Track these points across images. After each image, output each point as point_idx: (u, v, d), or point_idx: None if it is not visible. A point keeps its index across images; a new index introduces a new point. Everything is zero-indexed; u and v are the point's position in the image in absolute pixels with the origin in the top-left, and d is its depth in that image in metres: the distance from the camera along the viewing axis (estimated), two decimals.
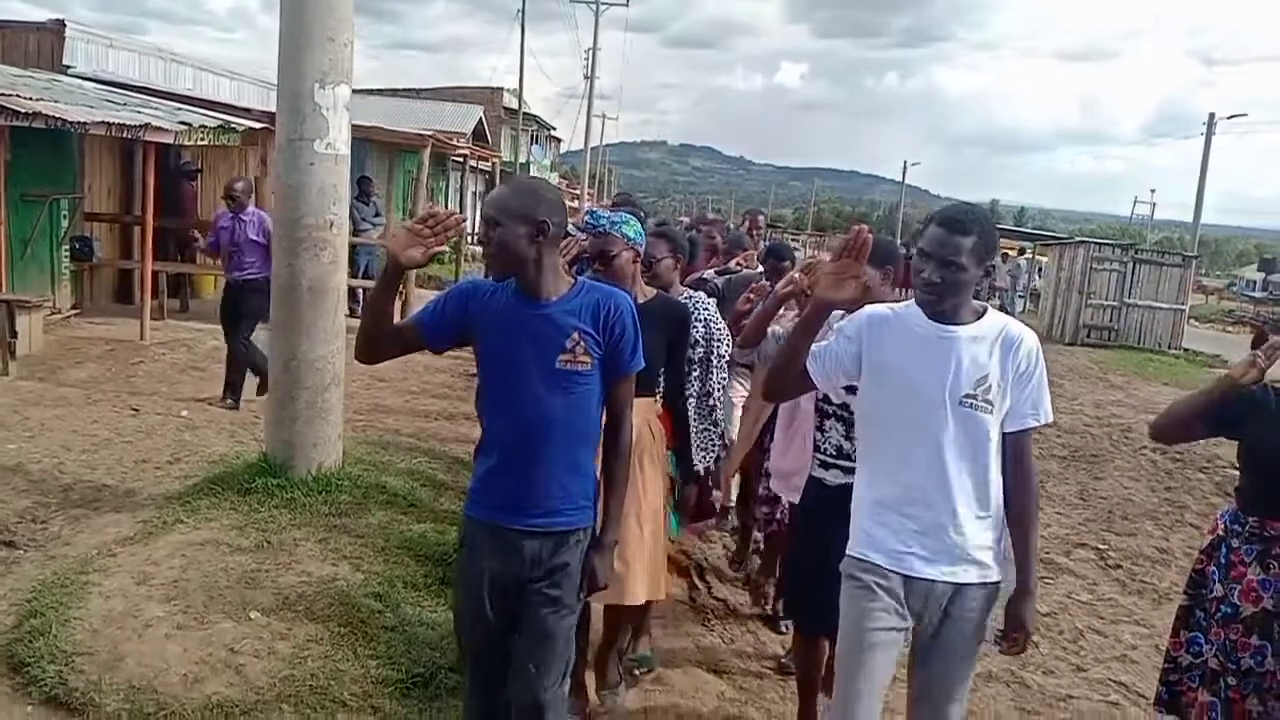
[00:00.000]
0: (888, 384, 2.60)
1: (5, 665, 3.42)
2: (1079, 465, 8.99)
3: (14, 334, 7.80)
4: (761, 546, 5.12)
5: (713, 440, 3.92)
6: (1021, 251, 26.47)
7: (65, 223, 10.72)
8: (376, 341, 2.60)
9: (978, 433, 2.53)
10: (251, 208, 7.68)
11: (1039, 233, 34.06)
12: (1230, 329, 36.60)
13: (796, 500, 3.54)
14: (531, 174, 37.79)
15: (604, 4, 39.80)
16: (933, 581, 2.55)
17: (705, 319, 3.90)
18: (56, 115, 7.93)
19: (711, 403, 3.88)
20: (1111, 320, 19.60)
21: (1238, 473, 3.37)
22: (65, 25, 12.16)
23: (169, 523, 4.48)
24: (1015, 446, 2.59)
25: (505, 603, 2.57)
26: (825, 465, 3.30)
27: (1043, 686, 4.40)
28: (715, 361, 3.91)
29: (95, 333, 9.86)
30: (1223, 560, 3.16)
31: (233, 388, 7.48)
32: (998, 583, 2.62)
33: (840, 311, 2.81)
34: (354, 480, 5.03)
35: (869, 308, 2.70)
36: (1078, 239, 22.30)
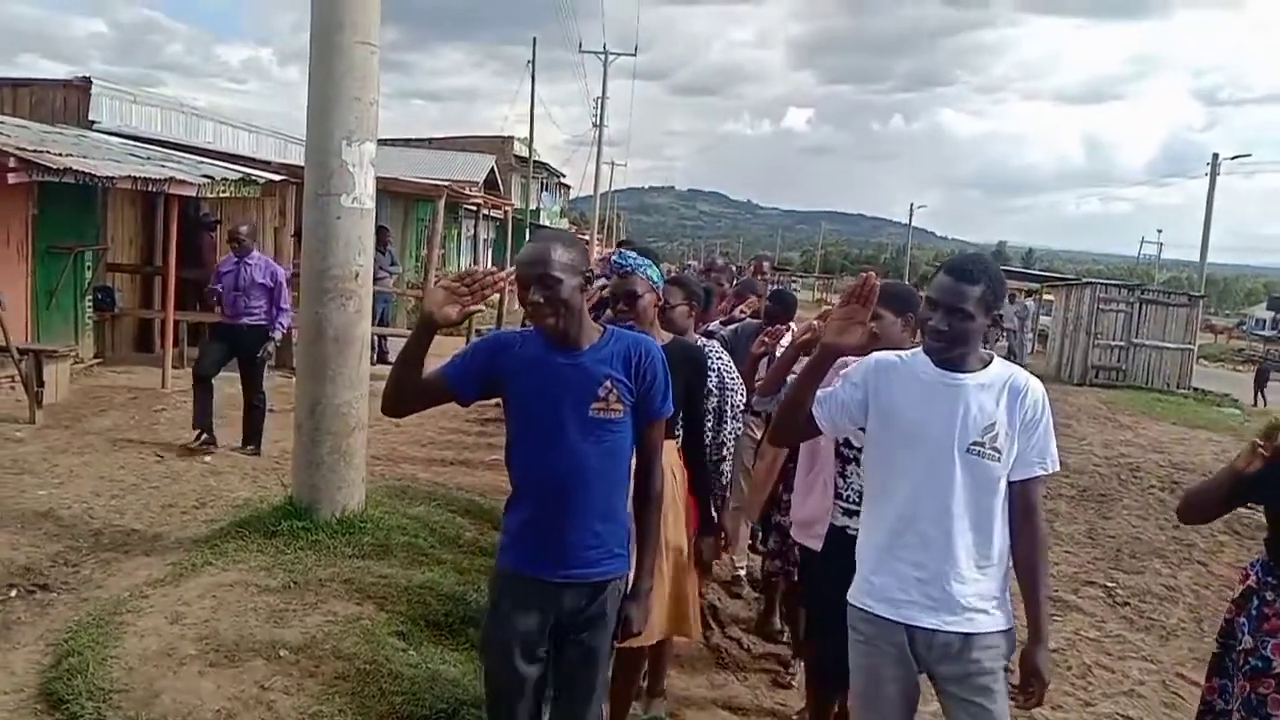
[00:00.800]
0: (894, 431, 2.58)
1: (45, 703, 3.54)
2: (1088, 504, 9.08)
3: (41, 383, 8.00)
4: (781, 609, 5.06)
5: (716, 488, 3.91)
6: (1029, 293, 26.63)
7: (89, 274, 10.98)
8: (405, 395, 2.58)
9: (985, 480, 2.51)
10: (256, 252, 7.73)
11: (1046, 274, 34.25)
12: (1240, 367, 36.64)
13: (818, 547, 3.46)
14: (542, 221, 38.21)
15: (612, 54, 40.50)
16: (934, 631, 2.52)
17: (719, 368, 3.92)
18: (86, 171, 8.20)
19: (724, 453, 3.90)
20: (1119, 360, 19.74)
21: (1263, 518, 3.27)
22: (91, 82, 12.55)
23: (198, 565, 4.62)
24: (1023, 496, 2.58)
25: (540, 655, 2.56)
26: (849, 513, 3.27)
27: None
28: (730, 411, 3.93)
29: (118, 381, 10.07)
30: (1254, 612, 3.10)
31: (255, 434, 7.60)
32: (1007, 630, 2.58)
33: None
34: (376, 523, 5.16)
35: (876, 354, 2.69)
36: (1085, 280, 22.46)
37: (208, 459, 7.02)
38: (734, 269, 12.62)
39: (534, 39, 35.12)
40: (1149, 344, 19.78)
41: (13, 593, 4.50)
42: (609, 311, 3.53)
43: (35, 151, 8.13)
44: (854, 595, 2.65)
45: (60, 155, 8.49)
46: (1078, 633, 5.73)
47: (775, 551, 4.43)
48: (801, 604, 4.15)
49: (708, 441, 3.86)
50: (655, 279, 3.53)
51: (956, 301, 2.46)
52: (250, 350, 7.58)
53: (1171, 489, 9.82)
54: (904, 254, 72.25)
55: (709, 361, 3.84)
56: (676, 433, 3.59)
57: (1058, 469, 2.62)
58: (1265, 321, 68.21)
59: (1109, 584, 6.69)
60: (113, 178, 8.59)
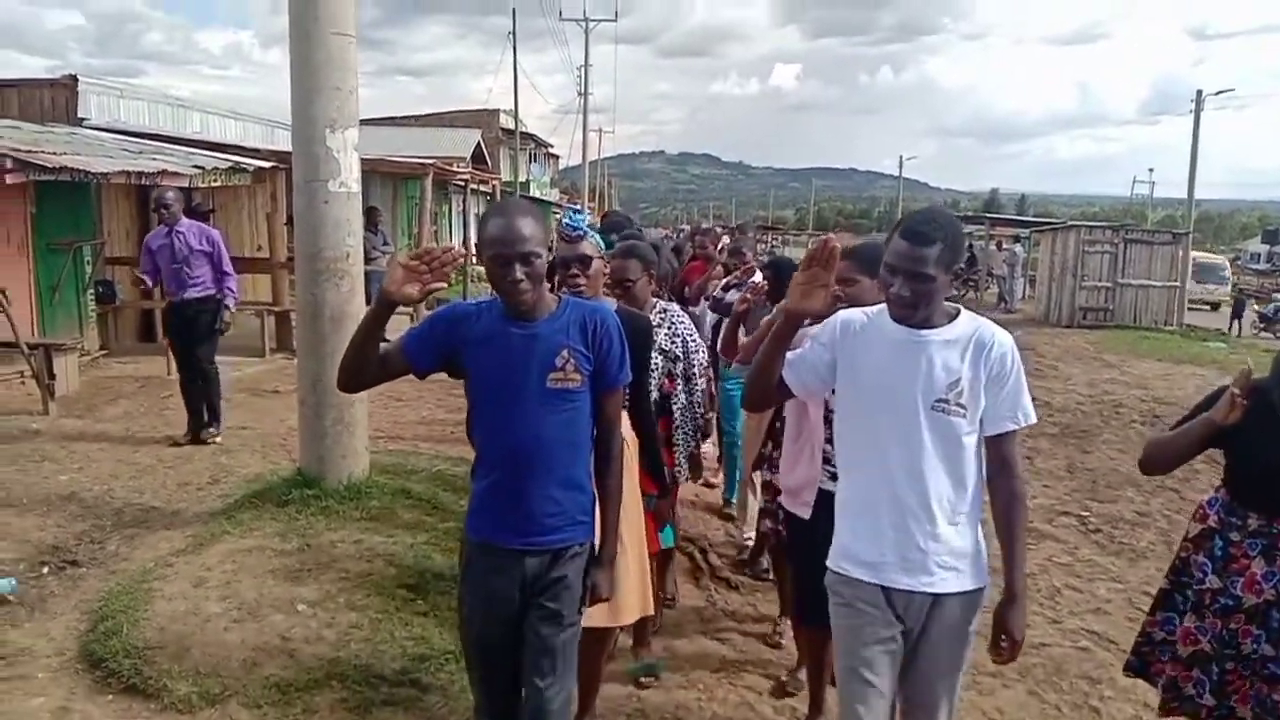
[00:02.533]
0: (861, 390, 2.58)
1: (86, 663, 3.87)
2: (1069, 441, 9.38)
3: (52, 375, 8.29)
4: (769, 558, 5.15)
5: (693, 435, 4.12)
6: (1016, 239, 26.88)
7: (89, 268, 11.23)
8: (362, 369, 2.60)
9: (951, 437, 2.51)
10: (185, 219, 7.30)
11: (1033, 220, 34.47)
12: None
13: (807, 515, 3.44)
14: (532, 192, 38.31)
15: (593, 21, 40.43)
16: (910, 592, 2.53)
17: (681, 333, 4.01)
18: (81, 168, 8.45)
19: (696, 411, 4.07)
20: (1106, 301, 20.01)
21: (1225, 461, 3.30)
22: (78, 80, 12.74)
23: (217, 534, 4.94)
24: (998, 451, 2.57)
25: (508, 622, 2.60)
26: (835, 478, 3.16)
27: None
28: (696, 371, 4.08)
29: (124, 371, 10.36)
30: (1218, 553, 3.16)
31: (213, 411, 7.38)
32: (979, 589, 2.59)
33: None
34: (381, 488, 5.48)
35: (843, 313, 2.69)
36: (1070, 223, 22.68)
37: (218, 439, 7.32)
38: (718, 230, 12.77)
39: (513, 10, 35.14)
40: (1135, 283, 20.03)
41: (45, 569, 4.83)
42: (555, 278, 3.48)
43: (30, 151, 8.38)
44: (832, 559, 2.67)
45: (54, 154, 8.74)
46: (1050, 559, 6.04)
47: (766, 510, 4.36)
48: (790, 565, 4.11)
49: (683, 402, 4.02)
50: (605, 248, 3.54)
51: (916, 266, 2.43)
52: (200, 323, 7.22)
53: (1152, 423, 10.13)
54: (896, 207, 72.19)
55: (670, 326, 3.98)
56: (625, 402, 3.51)
57: (1033, 422, 2.58)
58: (1260, 255, 68.03)
59: (1083, 513, 6.99)
60: (107, 173, 8.84)
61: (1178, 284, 20.51)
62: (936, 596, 2.53)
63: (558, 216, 39.31)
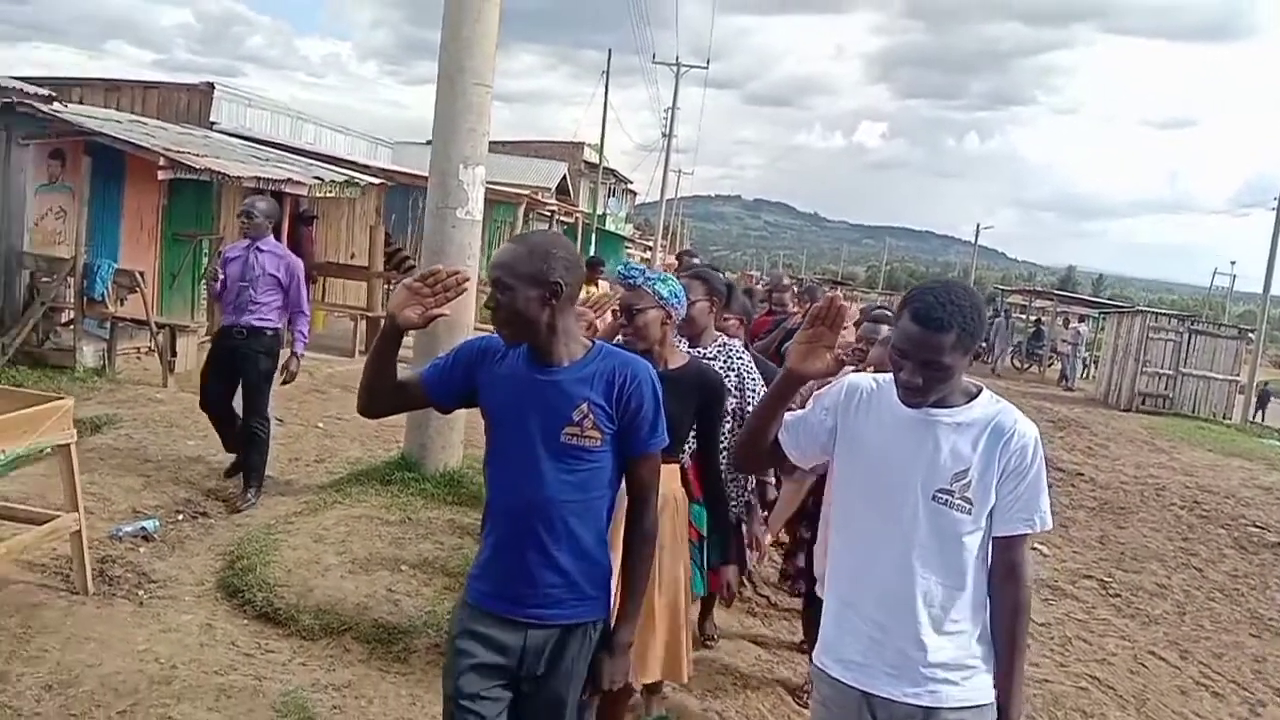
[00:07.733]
0: (858, 467, 2.31)
1: (223, 592, 4.62)
2: (1105, 515, 9.78)
3: (174, 353, 9.20)
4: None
5: (741, 491, 3.96)
6: (1081, 319, 27.14)
7: (206, 259, 12.23)
8: (378, 396, 2.44)
9: (950, 534, 2.20)
10: (271, 238, 6.01)
11: (1100, 300, 34.60)
12: None
13: None
14: (608, 226, 39.20)
15: (685, 66, 41.45)
16: (892, 701, 2.22)
17: (739, 369, 3.89)
18: (220, 170, 9.40)
19: None
20: (1166, 388, 20.22)
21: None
22: (214, 87, 13.88)
23: (329, 502, 5.71)
24: (1005, 554, 2.25)
25: (500, 699, 2.33)
26: None
27: (1025, 673, 5.30)
28: (750, 411, 3.75)
29: None
30: None
31: (254, 474, 6.01)
32: (981, 705, 2.24)
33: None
34: (471, 478, 6.20)
35: (851, 377, 2.44)
36: (1137, 308, 22.95)
37: (319, 425, 8.13)
38: (795, 288, 12.97)
39: (609, 51, 36.29)
40: (1197, 374, 20.25)
41: (180, 516, 5.61)
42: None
43: (179, 152, 9.35)
44: (816, 651, 2.42)
45: (197, 155, 9.71)
46: (1068, 614, 6.52)
47: (803, 571, 4.36)
48: None
49: (730, 443, 3.76)
50: (665, 295, 3.32)
51: (928, 354, 2.13)
52: (252, 361, 5.94)
53: (1192, 508, 10.48)
54: (969, 274, 72.25)
55: (729, 362, 3.87)
56: (680, 456, 3.44)
57: (1049, 527, 2.28)
58: None
59: (1105, 579, 7.45)
60: (240, 177, 9.79)
61: (1238, 378, 20.69)
62: (928, 710, 2.21)
63: (629, 250, 40.10)
